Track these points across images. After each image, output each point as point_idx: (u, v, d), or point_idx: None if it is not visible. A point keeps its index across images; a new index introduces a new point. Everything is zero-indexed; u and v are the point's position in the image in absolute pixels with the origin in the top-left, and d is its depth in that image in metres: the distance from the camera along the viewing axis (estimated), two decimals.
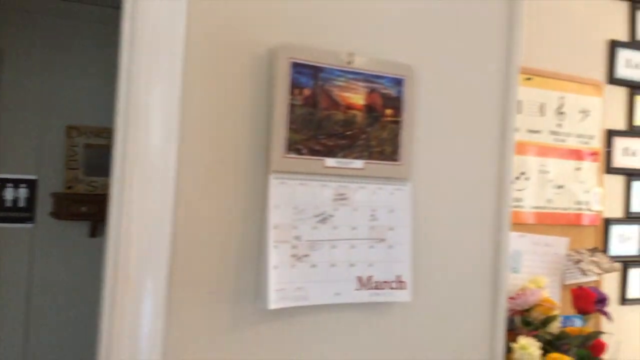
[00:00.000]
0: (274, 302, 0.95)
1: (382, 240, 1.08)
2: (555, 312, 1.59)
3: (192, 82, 0.92)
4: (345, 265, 1.04)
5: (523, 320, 1.57)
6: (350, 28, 1.06)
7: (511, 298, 1.62)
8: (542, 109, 1.81)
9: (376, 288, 1.07)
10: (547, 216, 1.83)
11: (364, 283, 1.06)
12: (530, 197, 1.79)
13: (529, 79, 1.78)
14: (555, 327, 1.60)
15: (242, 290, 0.97)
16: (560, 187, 1.84)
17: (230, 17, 0.95)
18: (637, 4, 1.98)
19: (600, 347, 1.64)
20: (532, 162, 1.80)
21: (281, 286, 0.97)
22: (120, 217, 0.86)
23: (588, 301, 1.61)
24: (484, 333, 1.22)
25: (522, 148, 1.78)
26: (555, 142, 1.84)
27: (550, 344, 1.59)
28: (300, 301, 0.99)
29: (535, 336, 1.56)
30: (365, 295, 1.06)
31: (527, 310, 1.58)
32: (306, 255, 1.00)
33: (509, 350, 1.50)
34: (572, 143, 1.87)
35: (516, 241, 1.78)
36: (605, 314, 1.68)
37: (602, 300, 1.65)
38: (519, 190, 1.77)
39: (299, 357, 1.01)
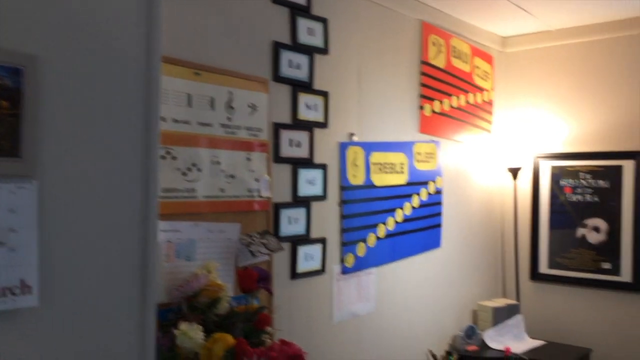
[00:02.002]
0: None
1: (2, 243, 0.99)
2: (222, 294, 1.70)
3: None
4: None
5: (190, 306, 1.64)
6: None
7: (180, 286, 1.68)
8: (212, 103, 1.90)
9: None
10: (221, 204, 1.94)
11: None
12: (203, 187, 1.87)
13: (197, 74, 1.85)
14: (223, 308, 1.71)
15: None
16: (232, 176, 1.97)
17: None
18: (296, 10, 2.21)
19: (265, 321, 1.81)
20: (203, 154, 1.88)
21: None
22: None
23: (251, 280, 1.76)
24: (133, 327, 1.22)
25: (193, 140, 1.85)
26: (226, 135, 1.95)
27: (219, 325, 1.70)
28: None
29: (202, 319, 1.66)
30: None
31: (195, 296, 1.65)
32: None
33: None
34: (242, 135, 2.01)
35: (190, 230, 1.85)
36: (268, 290, 1.87)
37: (264, 278, 1.82)
38: (191, 181, 1.84)
39: None
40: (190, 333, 1.49)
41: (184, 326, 1.50)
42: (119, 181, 1.20)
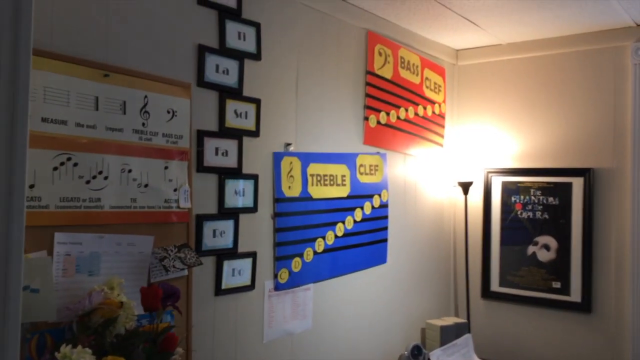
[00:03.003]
0: None
1: None
2: (120, 313, 1.57)
3: None
4: None
5: (81, 326, 1.51)
6: None
7: (71, 304, 1.55)
8: (123, 107, 1.78)
9: None
10: (132, 215, 1.81)
11: None
12: (110, 196, 1.74)
13: (106, 75, 1.73)
14: (121, 328, 1.58)
15: None
16: (145, 185, 1.85)
17: None
18: (225, 13, 2.11)
19: (171, 341, 1.68)
20: (112, 161, 1.75)
21: None
22: None
23: (154, 298, 1.64)
24: None
25: (99, 146, 1.72)
26: (140, 141, 1.83)
27: (117, 347, 1.57)
28: None
29: (96, 341, 1.52)
30: None
31: (87, 315, 1.52)
32: None
33: None
34: (159, 142, 1.89)
35: (94, 243, 1.72)
36: (176, 308, 1.74)
37: (170, 296, 1.69)
38: (96, 190, 1.71)
39: None
40: (73, 356, 1.35)
41: (65, 349, 1.37)
42: None
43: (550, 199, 3.29)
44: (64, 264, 1.63)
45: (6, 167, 1.14)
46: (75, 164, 1.65)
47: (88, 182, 1.68)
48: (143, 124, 1.84)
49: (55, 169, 1.60)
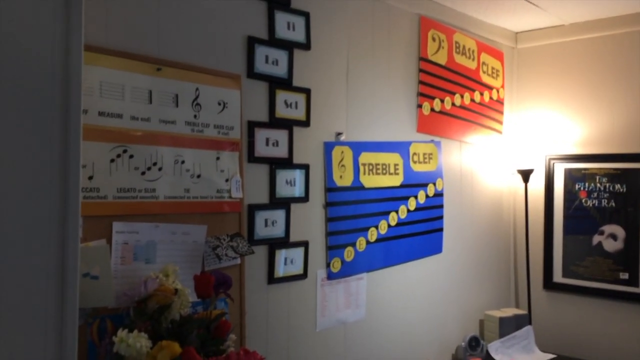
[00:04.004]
0: None
1: None
2: (174, 300, 1.62)
3: None
4: None
5: (137, 312, 1.57)
6: None
7: (128, 291, 1.61)
8: (176, 100, 1.83)
9: None
10: (185, 205, 1.86)
11: None
12: (164, 187, 1.80)
13: (159, 69, 1.78)
14: (176, 314, 1.63)
15: None
16: (198, 176, 1.89)
17: None
18: (274, 3, 2.12)
19: (224, 328, 1.72)
20: (166, 153, 1.80)
21: None
22: None
23: (207, 285, 1.68)
24: (51, 338, 1.15)
25: (153, 138, 1.78)
26: (192, 133, 1.88)
27: (172, 333, 1.62)
28: None
29: (152, 326, 1.58)
30: None
31: (143, 301, 1.58)
32: None
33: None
34: (211, 133, 1.93)
35: (150, 232, 1.78)
36: (228, 295, 1.78)
37: (222, 284, 1.73)
38: (151, 180, 1.77)
39: None
40: (129, 341, 1.41)
41: (122, 333, 1.43)
42: (32, 180, 1.13)
43: (617, 186, 3.12)
44: (122, 252, 1.70)
45: (61, 159, 1.20)
46: (131, 156, 1.71)
47: (143, 173, 1.74)
48: (195, 116, 1.88)
49: (112, 160, 1.66)
